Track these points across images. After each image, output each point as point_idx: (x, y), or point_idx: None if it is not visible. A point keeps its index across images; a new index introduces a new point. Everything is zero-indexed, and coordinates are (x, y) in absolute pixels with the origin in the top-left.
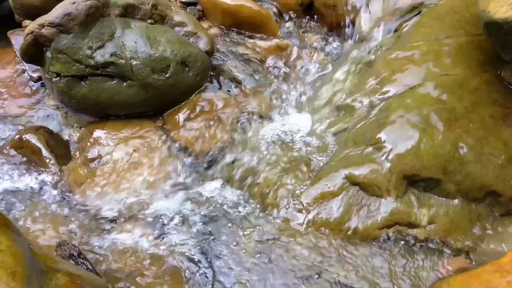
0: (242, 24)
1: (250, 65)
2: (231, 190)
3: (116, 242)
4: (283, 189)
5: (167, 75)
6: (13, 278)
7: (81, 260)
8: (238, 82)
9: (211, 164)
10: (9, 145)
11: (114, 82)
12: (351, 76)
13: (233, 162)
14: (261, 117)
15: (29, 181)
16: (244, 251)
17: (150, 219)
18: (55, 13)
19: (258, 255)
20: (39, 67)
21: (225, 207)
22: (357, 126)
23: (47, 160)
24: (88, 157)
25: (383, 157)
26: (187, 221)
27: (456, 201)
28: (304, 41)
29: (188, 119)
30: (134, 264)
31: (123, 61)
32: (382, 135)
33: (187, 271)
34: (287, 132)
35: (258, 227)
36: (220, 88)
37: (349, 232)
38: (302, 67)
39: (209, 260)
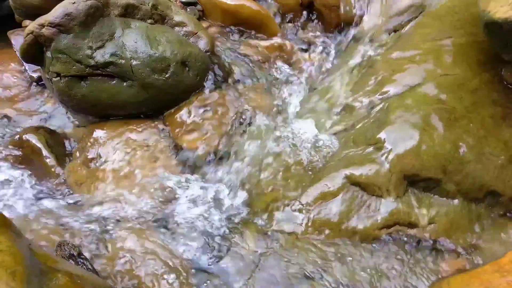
0: (242, 24)
1: (250, 65)
2: (231, 190)
3: (117, 242)
4: (283, 189)
5: (167, 75)
6: (13, 278)
7: (81, 260)
8: (238, 82)
9: (211, 164)
10: (9, 145)
11: (114, 82)
12: (351, 76)
13: (233, 162)
14: (261, 117)
15: (29, 181)
16: (244, 251)
17: (150, 219)
18: (55, 13)
19: (258, 255)
20: (39, 67)
21: (224, 206)
22: (357, 126)
23: (47, 160)
24: (88, 157)
25: (383, 157)
26: (187, 221)
27: (456, 201)
28: (304, 41)
29: (188, 119)
30: (134, 264)
31: (123, 61)
32: (382, 135)
33: (188, 271)
34: (288, 132)
35: (258, 228)
36: (220, 88)
37: (349, 232)
38: (302, 66)
39: (210, 260)
